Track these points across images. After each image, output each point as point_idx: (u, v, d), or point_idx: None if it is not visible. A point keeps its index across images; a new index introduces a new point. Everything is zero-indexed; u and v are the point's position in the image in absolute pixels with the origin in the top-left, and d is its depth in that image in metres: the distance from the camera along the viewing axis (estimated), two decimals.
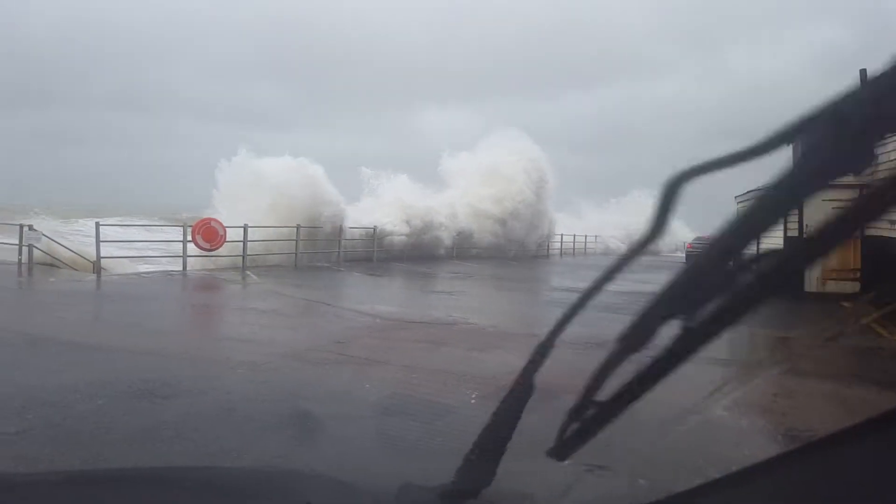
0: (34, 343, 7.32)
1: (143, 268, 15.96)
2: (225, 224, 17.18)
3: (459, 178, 30.85)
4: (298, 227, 19.37)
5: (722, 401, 5.06)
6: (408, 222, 25.11)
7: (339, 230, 21.48)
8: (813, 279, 14.02)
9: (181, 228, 16.73)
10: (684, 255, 33.41)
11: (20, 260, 16.00)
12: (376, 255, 22.66)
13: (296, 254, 19.19)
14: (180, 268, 16.13)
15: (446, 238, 26.93)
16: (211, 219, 17.12)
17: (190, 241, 16.46)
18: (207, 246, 16.79)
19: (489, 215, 29.97)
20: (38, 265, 15.80)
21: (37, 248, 16.18)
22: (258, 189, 20.67)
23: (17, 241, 16.04)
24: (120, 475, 1.60)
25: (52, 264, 16.05)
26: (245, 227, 17.47)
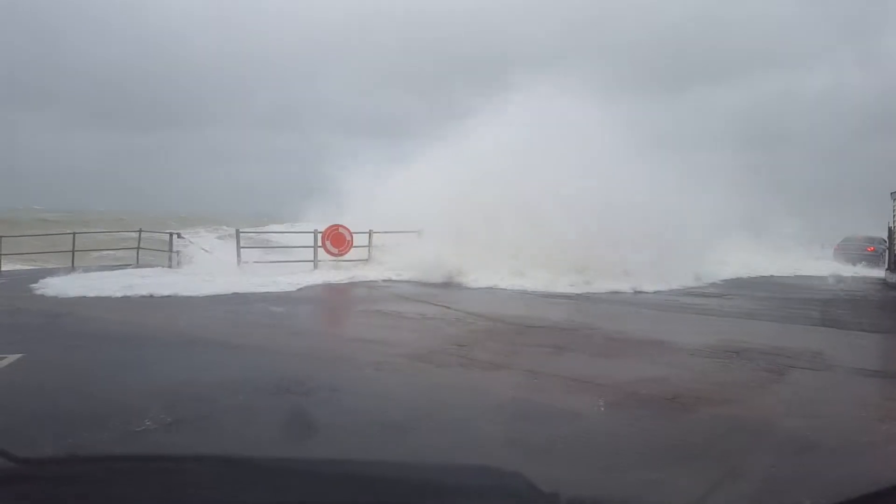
0: (186, 343, 7.95)
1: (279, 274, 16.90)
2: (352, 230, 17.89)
3: None
4: (419, 232, 19.80)
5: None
6: None
7: None
8: None
9: (313, 235, 17.62)
10: (833, 256, 30.61)
11: (170, 265, 17.52)
12: None
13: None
14: (310, 271, 17.01)
15: None
16: (339, 225, 17.85)
17: (320, 247, 17.35)
18: (336, 251, 17.56)
19: None
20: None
21: (184, 253, 17.69)
22: None
23: (168, 248, 17.73)
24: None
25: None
26: (370, 233, 18.12)
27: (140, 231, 19.50)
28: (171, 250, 17.76)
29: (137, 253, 18.94)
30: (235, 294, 12.48)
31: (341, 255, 17.70)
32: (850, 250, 29.31)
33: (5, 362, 6.35)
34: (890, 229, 21.59)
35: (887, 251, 22.91)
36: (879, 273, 22.48)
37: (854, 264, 28.05)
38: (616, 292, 14.16)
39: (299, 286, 13.95)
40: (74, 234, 18.98)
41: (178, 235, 18.36)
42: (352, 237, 17.82)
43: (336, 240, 17.62)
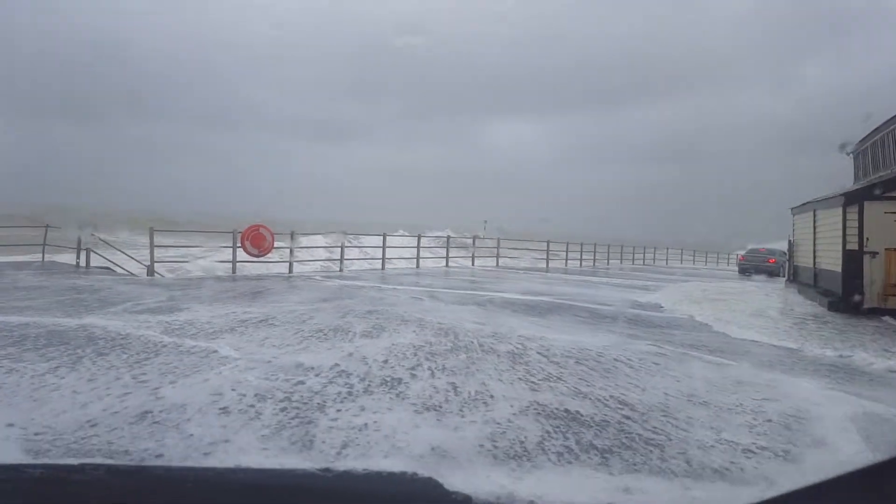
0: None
1: (196, 271, 16.40)
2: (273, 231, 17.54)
3: None
4: (344, 233, 19.69)
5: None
6: None
7: None
8: (874, 294, 13.45)
9: (231, 235, 17.16)
10: (737, 266, 32.54)
11: (77, 263, 16.65)
12: None
13: (341, 259, 19.43)
14: (230, 272, 16.61)
15: None
16: (260, 225, 17.45)
17: (239, 247, 16.89)
18: (255, 252, 17.14)
19: None
20: (95, 268, 16.35)
21: (94, 252, 16.83)
22: None
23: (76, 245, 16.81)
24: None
25: (108, 268, 16.59)
26: (292, 234, 17.84)
27: (47, 227, 18.41)
28: (79, 248, 16.87)
29: (43, 251, 17.87)
30: None
31: (262, 255, 17.32)
32: (754, 261, 31.08)
33: None
34: (790, 242, 22.97)
35: (788, 263, 24.37)
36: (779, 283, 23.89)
37: (756, 274, 29.77)
38: None
39: None
40: None
41: (92, 233, 17.42)
42: (273, 238, 17.44)
43: (256, 240, 17.17)
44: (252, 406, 4.62)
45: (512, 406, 4.92)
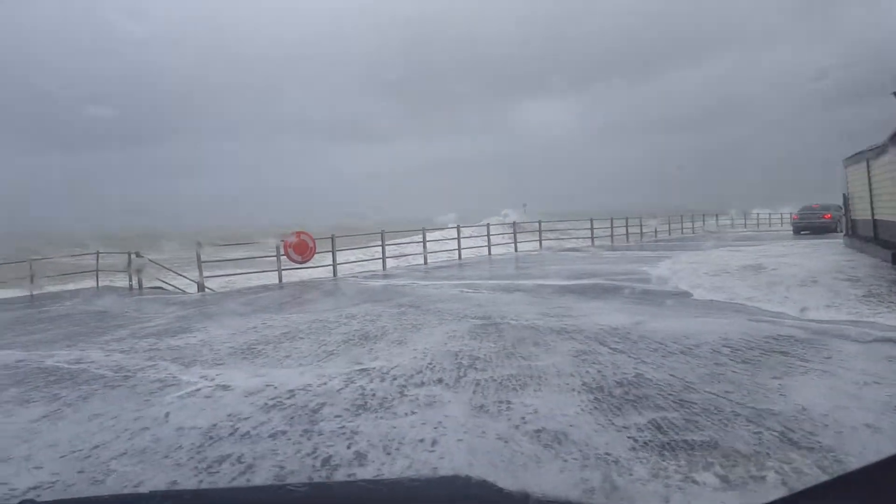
0: None
1: (245, 283, 16.69)
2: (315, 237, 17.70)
3: None
4: (383, 232, 19.73)
5: None
6: None
7: None
8: None
9: (275, 244, 17.40)
10: (791, 226, 31.51)
11: (130, 285, 17.16)
12: None
13: (383, 258, 19.51)
14: (276, 280, 16.83)
15: None
16: (301, 232, 17.63)
17: (283, 256, 17.10)
18: (299, 259, 17.33)
19: None
20: (148, 290, 16.85)
21: (146, 273, 17.34)
22: None
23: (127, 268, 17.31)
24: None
25: (160, 287, 17.05)
26: (332, 238, 17.95)
27: (98, 253, 18.99)
28: (129, 270, 17.36)
29: (97, 276, 18.44)
30: None
31: (305, 262, 17.50)
32: (808, 219, 30.00)
33: None
34: (845, 196, 22.04)
35: (844, 217, 23.41)
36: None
37: (812, 232, 28.72)
38: None
39: None
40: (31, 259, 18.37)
41: (137, 254, 17.89)
42: (314, 244, 17.60)
43: (298, 247, 17.37)
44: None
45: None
